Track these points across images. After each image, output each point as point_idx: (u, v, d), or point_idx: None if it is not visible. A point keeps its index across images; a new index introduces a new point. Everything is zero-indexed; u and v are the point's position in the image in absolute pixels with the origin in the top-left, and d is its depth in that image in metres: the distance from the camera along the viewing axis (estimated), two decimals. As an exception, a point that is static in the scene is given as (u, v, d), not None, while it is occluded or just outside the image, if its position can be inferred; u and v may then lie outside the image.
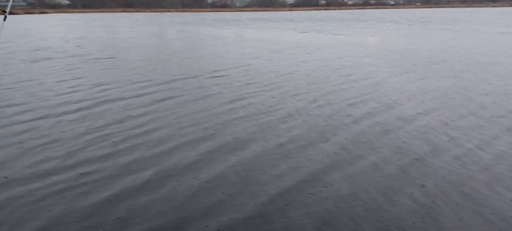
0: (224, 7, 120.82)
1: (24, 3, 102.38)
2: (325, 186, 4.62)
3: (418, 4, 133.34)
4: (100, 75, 11.91)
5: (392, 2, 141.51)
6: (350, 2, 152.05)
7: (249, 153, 5.70)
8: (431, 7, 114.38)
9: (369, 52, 17.51)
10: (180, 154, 5.66)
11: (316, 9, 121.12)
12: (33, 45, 19.98)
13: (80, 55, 16.53)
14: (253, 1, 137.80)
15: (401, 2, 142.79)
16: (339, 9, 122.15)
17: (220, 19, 57.53)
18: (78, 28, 36.64)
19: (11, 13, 2.83)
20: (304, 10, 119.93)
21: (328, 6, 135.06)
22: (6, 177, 4.84)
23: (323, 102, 8.52)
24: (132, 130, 6.69)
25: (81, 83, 10.56)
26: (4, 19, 2.74)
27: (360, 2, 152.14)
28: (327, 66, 13.58)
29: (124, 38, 25.34)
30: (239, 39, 24.90)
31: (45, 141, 6.09)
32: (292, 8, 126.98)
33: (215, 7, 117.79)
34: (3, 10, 2.94)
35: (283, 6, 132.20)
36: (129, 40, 24.11)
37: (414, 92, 9.39)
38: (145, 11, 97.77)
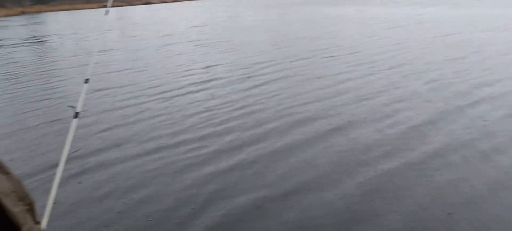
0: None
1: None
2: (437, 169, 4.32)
3: None
4: (215, 58, 12.54)
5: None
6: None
7: (354, 133, 5.60)
8: None
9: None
10: (279, 133, 5.73)
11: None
12: (161, 33, 21.92)
13: (201, 40, 17.62)
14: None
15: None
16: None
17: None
18: (202, 14, 39.09)
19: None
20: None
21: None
22: (122, 151, 5.42)
23: (445, 83, 7.78)
24: (238, 110, 6.94)
25: (196, 67, 11.27)
26: (106, 14, 2.95)
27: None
28: (464, 45, 12.25)
29: (245, 22, 26.31)
30: (358, 18, 23.94)
31: (155, 121, 6.63)
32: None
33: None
34: (104, 5, 3.16)
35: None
36: (250, 24, 24.94)
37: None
38: None
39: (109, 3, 2.71)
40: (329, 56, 11.71)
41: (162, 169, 4.81)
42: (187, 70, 10.76)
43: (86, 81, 2.32)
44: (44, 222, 1.65)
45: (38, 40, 22.08)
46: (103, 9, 2.78)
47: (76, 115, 2.14)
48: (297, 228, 3.53)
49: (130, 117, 6.89)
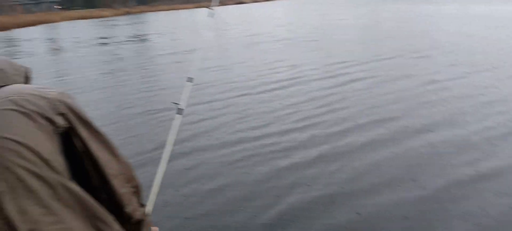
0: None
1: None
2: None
3: None
4: (301, 57, 12.67)
5: None
6: None
7: (436, 136, 5.39)
8: None
9: None
10: (359, 132, 5.74)
11: None
12: (250, 32, 22.58)
13: (288, 39, 17.86)
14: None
15: None
16: None
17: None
18: (292, 13, 39.37)
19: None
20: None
21: None
22: (208, 141, 5.83)
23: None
24: (320, 108, 7.04)
25: (282, 65, 11.49)
26: (211, 15, 2.90)
27: None
28: None
29: (334, 21, 26.04)
30: (458, 16, 22.37)
31: (239, 115, 6.98)
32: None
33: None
34: (202, 5, 3.25)
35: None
36: (339, 22, 24.64)
37: None
38: None
39: (215, 2, 2.69)
40: (420, 56, 11.21)
41: (244, 160, 5.10)
42: (273, 68, 11.05)
43: (190, 79, 2.38)
44: (149, 207, 1.78)
45: (141, 39, 24.09)
46: (206, 10, 2.76)
47: (180, 111, 2.24)
48: (368, 226, 3.57)
49: (217, 111, 7.33)
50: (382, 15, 28.41)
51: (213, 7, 2.74)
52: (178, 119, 2.21)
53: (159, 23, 37.49)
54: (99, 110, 7.86)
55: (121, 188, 1.13)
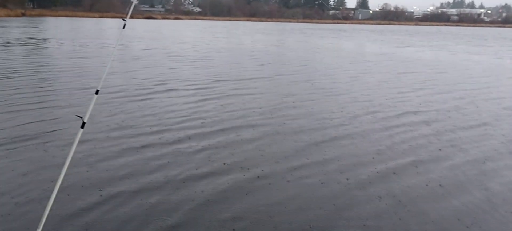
0: (345, 19, 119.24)
1: (162, 10, 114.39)
2: None
3: None
4: (191, 72, 12.57)
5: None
6: (486, 19, 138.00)
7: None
8: None
9: None
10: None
11: (446, 25, 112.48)
12: (168, 51, 21.98)
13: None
14: (377, 14, 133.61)
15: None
16: (473, 26, 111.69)
17: (340, 29, 56.83)
18: (208, 35, 39.38)
19: (129, 18, 3.05)
20: (432, 24, 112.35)
21: (460, 22, 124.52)
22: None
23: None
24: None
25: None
26: (123, 27, 2.94)
27: (499, 19, 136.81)
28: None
29: (232, 44, 26.53)
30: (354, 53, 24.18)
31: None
32: (419, 22, 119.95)
33: (336, 18, 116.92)
34: (122, 18, 3.14)
35: (409, 20, 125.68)
36: (229, 47, 25.18)
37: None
38: (267, 21, 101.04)
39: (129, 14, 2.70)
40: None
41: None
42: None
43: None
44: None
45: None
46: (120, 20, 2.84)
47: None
48: None
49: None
50: (285, 43, 29.73)
51: (125, 18, 2.80)
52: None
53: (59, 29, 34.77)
54: None
55: None
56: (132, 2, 3.12)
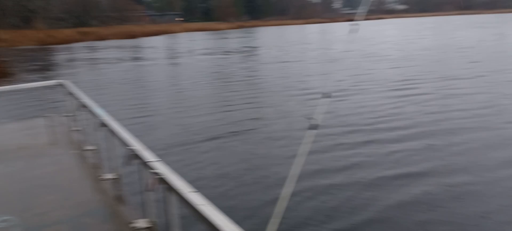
0: None
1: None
2: None
3: None
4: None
5: None
6: None
7: None
8: None
9: None
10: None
11: None
12: (369, 51, 21.40)
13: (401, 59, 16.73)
14: None
15: None
16: None
17: None
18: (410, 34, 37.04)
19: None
20: None
21: None
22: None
23: None
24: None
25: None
26: (354, 31, 2.75)
27: None
28: None
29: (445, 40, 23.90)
30: None
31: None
32: None
33: None
34: (350, 19, 3.07)
35: None
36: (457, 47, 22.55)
37: None
38: (487, 13, 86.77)
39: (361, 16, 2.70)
40: None
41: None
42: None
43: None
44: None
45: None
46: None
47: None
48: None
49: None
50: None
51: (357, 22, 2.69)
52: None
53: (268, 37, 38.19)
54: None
55: None
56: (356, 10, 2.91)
